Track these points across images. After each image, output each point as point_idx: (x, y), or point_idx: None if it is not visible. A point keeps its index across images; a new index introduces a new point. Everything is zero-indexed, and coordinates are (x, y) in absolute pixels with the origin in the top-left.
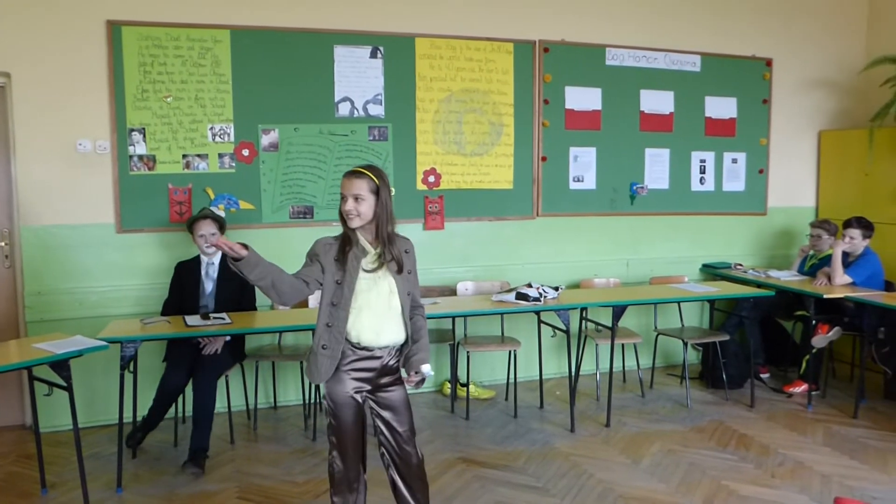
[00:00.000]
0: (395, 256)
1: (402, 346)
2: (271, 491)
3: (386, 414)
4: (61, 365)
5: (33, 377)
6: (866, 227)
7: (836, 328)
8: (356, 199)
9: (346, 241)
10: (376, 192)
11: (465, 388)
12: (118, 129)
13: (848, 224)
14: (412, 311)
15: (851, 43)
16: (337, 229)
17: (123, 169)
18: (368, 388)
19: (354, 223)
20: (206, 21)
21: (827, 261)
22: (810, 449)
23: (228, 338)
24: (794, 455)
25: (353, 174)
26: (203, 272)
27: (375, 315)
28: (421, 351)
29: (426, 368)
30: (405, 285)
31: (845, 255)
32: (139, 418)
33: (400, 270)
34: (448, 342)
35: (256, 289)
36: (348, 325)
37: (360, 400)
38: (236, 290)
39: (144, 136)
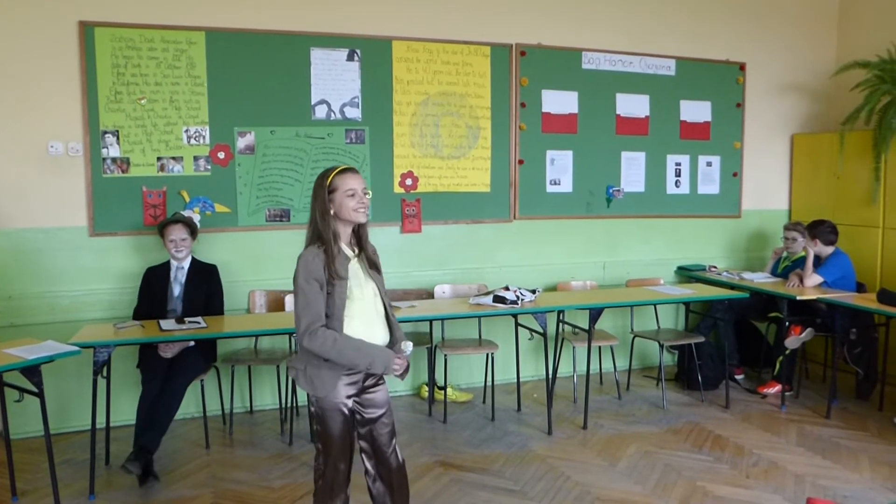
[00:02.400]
0: (371, 258)
1: (389, 346)
2: (247, 496)
3: (368, 413)
4: (32, 371)
5: (3, 383)
6: (828, 231)
7: (809, 329)
8: (364, 192)
9: (330, 252)
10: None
11: (442, 392)
12: (91, 132)
13: (813, 226)
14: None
15: (823, 48)
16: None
17: (96, 171)
18: (356, 391)
19: (365, 217)
20: (181, 23)
21: (799, 262)
22: (784, 449)
23: (192, 343)
24: (768, 455)
25: (353, 171)
26: (172, 276)
27: (365, 322)
28: (400, 339)
29: (407, 345)
30: (382, 286)
31: (816, 256)
32: (113, 424)
33: (378, 271)
34: (425, 345)
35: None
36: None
37: (350, 406)
38: (203, 295)
39: (118, 138)
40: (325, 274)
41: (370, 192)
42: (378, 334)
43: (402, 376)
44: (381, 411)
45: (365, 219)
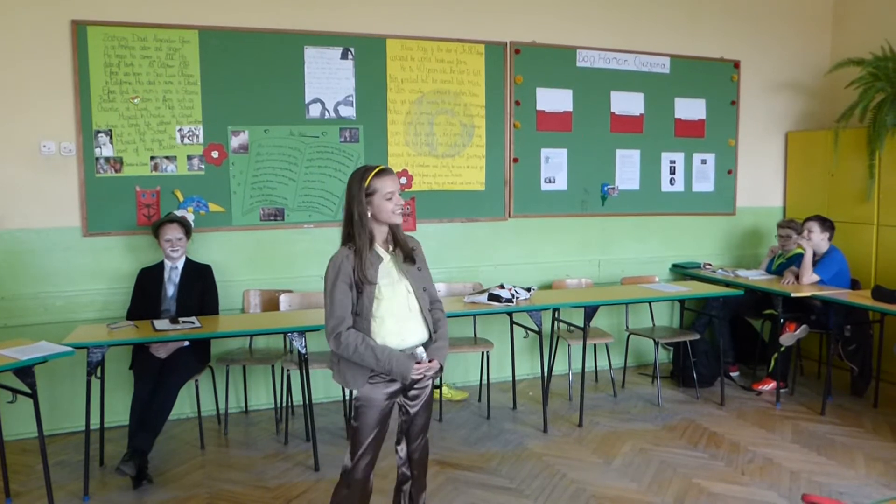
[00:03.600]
0: (407, 254)
1: (427, 342)
2: (242, 497)
3: (412, 407)
4: (26, 371)
5: None
6: (822, 221)
7: (804, 326)
8: (400, 193)
9: (363, 254)
10: None
11: (438, 390)
12: (84, 131)
13: (806, 220)
14: (431, 306)
15: (817, 46)
16: (309, 232)
17: (89, 171)
18: (397, 389)
19: (402, 219)
20: (174, 21)
21: (794, 260)
22: (779, 446)
23: (187, 343)
24: (763, 452)
25: (390, 172)
26: (166, 276)
27: (398, 320)
28: (437, 343)
29: (419, 351)
30: (420, 282)
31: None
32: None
33: (417, 266)
34: (447, 340)
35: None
36: (372, 332)
37: (390, 408)
38: (198, 295)
39: (111, 137)
40: (354, 275)
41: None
42: (413, 332)
43: (435, 376)
44: (420, 407)
45: (402, 220)
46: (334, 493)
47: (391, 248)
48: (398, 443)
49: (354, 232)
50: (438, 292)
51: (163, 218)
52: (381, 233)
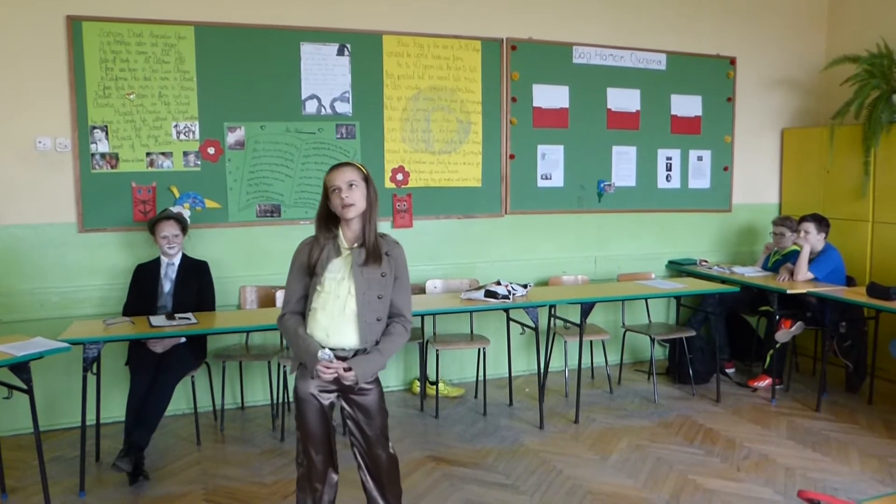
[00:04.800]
0: (370, 253)
1: (358, 351)
2: (239, 492)
3: (357, 415)
4: (21, 367)
5: None
6: (819, 221)
7: (799, 323)
8: (350, 185)
9: (321, 239)
10: (366, 180)
11: (434, 387)
12: (79, 127)
13: (802, 220)
14: (390, 318)
15: (813, 42)
16: (305, 228)
17: (85, 167)
18: (335, 388)
19: (350, 213)
20: (170, 17)
21: (790, 256)
22: (774, 442)
23: (183, 339)
24: (758, 448)
25: (340, 165)
26: (162, 272)
27: (329, 317)
28: (367, 354)
29: (322, 353)
30: (374, 289)
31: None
32: (103, 421)
33: (370, 266)
34: (417, 340)
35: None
36: (307, 321)
37: (323, 401)
38: (194, 291)
39: (107, 133)
40: (307, 259)
41: (357, 184)
42: (341, 334)
43: (353, 384)
44: (368, 414)
45: (350, 215)
46: (297, 485)
47: (355, 246)
48: (353, 446)
49: (319, 223)
50: (435, 289)
51: (159, 214)
52: (350, 228)
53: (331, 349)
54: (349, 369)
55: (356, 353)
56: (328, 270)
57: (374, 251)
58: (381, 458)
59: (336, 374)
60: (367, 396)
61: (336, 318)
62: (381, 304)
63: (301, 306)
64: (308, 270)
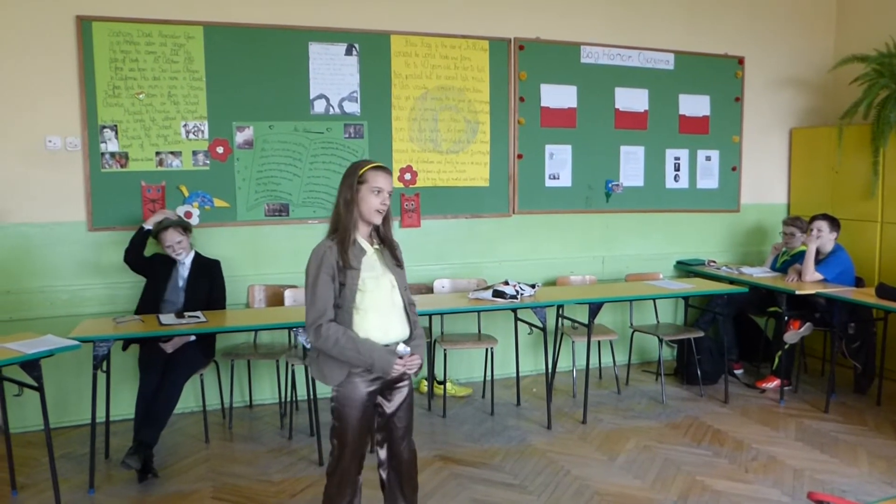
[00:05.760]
0: (392, 252)
1: (407, 340)
2: (247, 490)
3: (391, 408)
4: (32, 365)
5: (3, 377)
6: (831, 220)
7: (808, 324)
8: (389, 195)
9: (345, 242)
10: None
11: (441, 386)
12: (89, 126)
13: (814, 218)
14: (409, 307)
15: (821, 42)
16: (313, 227)
17: (95, 166)
18: (379, 387)
19: (379, 220)
20: (179, 17)
21: (798, 257)
22: (783, 443)
23: (193, 337)
24: (767, 450)
25: (386, 170)
26: (176, 268)
27: (381, 314)
28: (416, 341)
29: (401, 347)
30: (402, 279)
31: (816, 252)
32: (112, 418)
33: (399, 265)
34: (425, 340)
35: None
36: (354, 325)
37: (371, 404)
38: (205, 290)
39: (116, 133)
40: (336, 265)
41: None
42: (396, 327)
43: (416, 373)
44: (401, 407)
45: (379, 220)
46: (324, 492)
47: (375, 245)
48: (379, 444)
49: (340, 219)
50: (443, 288)
51: (157, 226)
52: (364, 228)
53: (387, 344)
54: (413, 355)
55: (405, 341)
56: (363, 270)
57: (393, 249)
58: (404, 452)
59: (405, 368)
60: (404, 388)
61: (388, 314)
62: (407, 292)
63: (333, 313)
64: (339, 275)
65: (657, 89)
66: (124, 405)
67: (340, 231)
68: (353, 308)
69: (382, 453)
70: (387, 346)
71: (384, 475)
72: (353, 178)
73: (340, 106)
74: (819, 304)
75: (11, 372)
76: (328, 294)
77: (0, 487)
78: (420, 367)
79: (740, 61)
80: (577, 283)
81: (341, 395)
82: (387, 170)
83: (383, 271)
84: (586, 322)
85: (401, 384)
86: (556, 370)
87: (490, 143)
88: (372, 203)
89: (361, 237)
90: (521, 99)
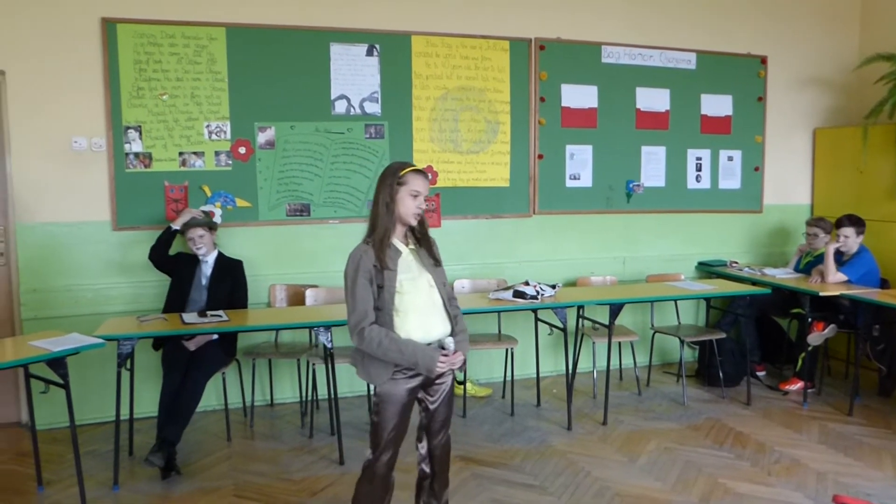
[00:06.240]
0: (430, 251)
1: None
2: (268, 488)
3: (434, 403)
4: (58, 363)
5: (30, 375)
6: (857, 223)
7: (832, 326)
8: (426, 199)
9: (383, 243)
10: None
11: (461, 386)
12: (114, 127)
13: (839, 223)
14: (449, 303)
15: (845, 41)
16: (334, 227)
17: (119, 166)
18: (420, 383)
19: (416, 221)
20: (202, 19)
21: (822, 258)
22: (806, 446)
23: (215, 336)
24: (790, 452)
25: (424, 174)
26: (200, 266)
27: (421, 314)
28: (459, 333)
29: (447, 340)
30: (440, 276)
31: (840, 253)
32: (136, 416)
33: (437, 264)
34: (468, 334)
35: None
36: (395, 327)
37: (410, 403)
38: (228, 289)
39: (140, 133)
40: (373, 267)
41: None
42: (437, 326)
43: (461, 369)
44: (441, 403)
45: (416, 222)
46: (356, 488)
47: (411, 245)
48: (419, 439)
49: (377, 221)
50: (463, 289)
51: (184, 224)
52: (399, 229)
53: (429, 343)
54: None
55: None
56: (399, 272)
57: (430, 248)
58: (438, 447)
59: (448, 366)
60: (446, 382)
61: (429, 314)
62: (446, 289)
63: (374, 315)
64: (376, 277)
65: (679, 89)
66: (147, 403)
67: (378, 232)
68: (393, 310)
69: (423, 448)
70: (429, 344)
71: (423, 468)
72: (392, 180)
73: (361, 106)
74: (843, 305)
75: (38, 369)
76: (367, 297)
77: (27, 483)
78: (464, 363)
79: (763, 61)
80: (598, 284)
81: (384, 392)
82: (425, 173)
83: (420, 271)
84: (607, 323)
85: (441, 380)
86: (577, 371)
87: (510, 144)
88: (409, 206)
89: (397, 238)
90: (542, 99)
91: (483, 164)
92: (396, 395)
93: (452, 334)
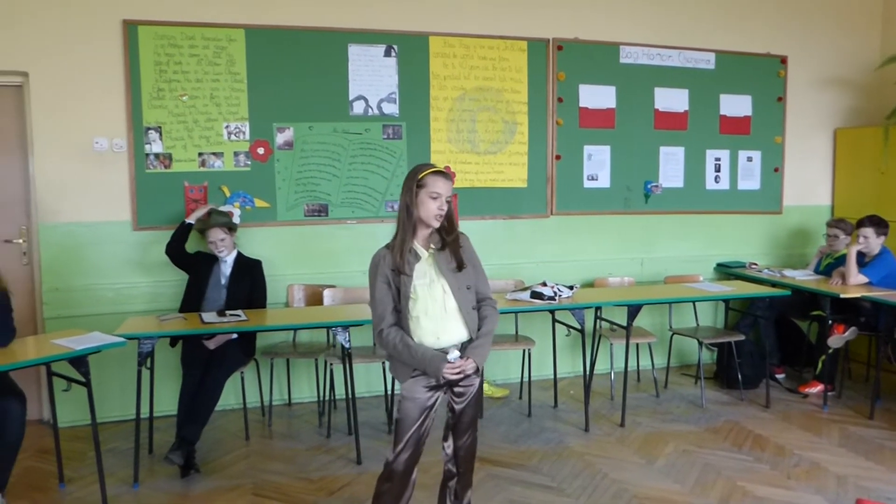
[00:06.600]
0: (455, 254)
1: (468, 341)
2: (286, 487)
3: (459, 405)
4: (80, 361)
5: (52, 373)
6: (879, 224)
7: (853, 328)
8: (447, 200)
9: (401, 248)
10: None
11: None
12: (134, 128)
13: (860, 224)
14: (479, 304)
15: (866, 40)
16: (352, 228)
17: (140, 167)
18: (443, 386)
19: (438, 224)
20: (221, 20)
21: (843, 260)
22: (826, 450)
23: (234, 335)
24: (809, 456)
25: (444, 175)
26: (218, 266)
27: (432, 320)
28: (477, 341)
29: (451, 354)
30: (462, 281)
31: (861, 254)
32: (156, 414)
33: (460, 268)
34: (489, 340)
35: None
36: (410, 331)
37: (431, 403)
38: (247, 289)
39: (160, 134)
40: (392, 271)
41: (450, 199)
42: (450, 332)
43: (476, 373)
44: (466, 404)
45: (437, 224)
46: (377, 486)
47: (434, 248)
48: (445, 439)
49: (399, 225)
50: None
51: (203, 225)
52: (422, 232)
53: (440, 349)
54: (468, 358)
55: (464, 343)
56: (415, 277)
57: (456, 250)
58: (463, 448)
59: (461, 371)
60: (472, 386)
61: (440, 319)
62: (470, 293)
63: (394, 318)
64: (394, 280)
65: (698, 89)
66: (167, 401)
67: (398, 237)
68: (408, 314)
69: (448, 447)
70: (442, 350)
71: (449, 468)
72: (412, 183)
73: (379, 107)
74: (864, 307)
75: (60, 367)
76: (385, 300)
77: (48, 480)
78: (477, 370)
79: (783, 60)
80: (616, 285)
81: (405, 390)
82: (445, 174)
83: (435, 277)
84: (625, 324)
85: (468, 383)
86: (594, 372)
87: (528, 144)
88: (430, 208)
89: (419, 241)
90: (560, 99)
91: (500, 164)
92: (417, 393)
93: (470, 342)
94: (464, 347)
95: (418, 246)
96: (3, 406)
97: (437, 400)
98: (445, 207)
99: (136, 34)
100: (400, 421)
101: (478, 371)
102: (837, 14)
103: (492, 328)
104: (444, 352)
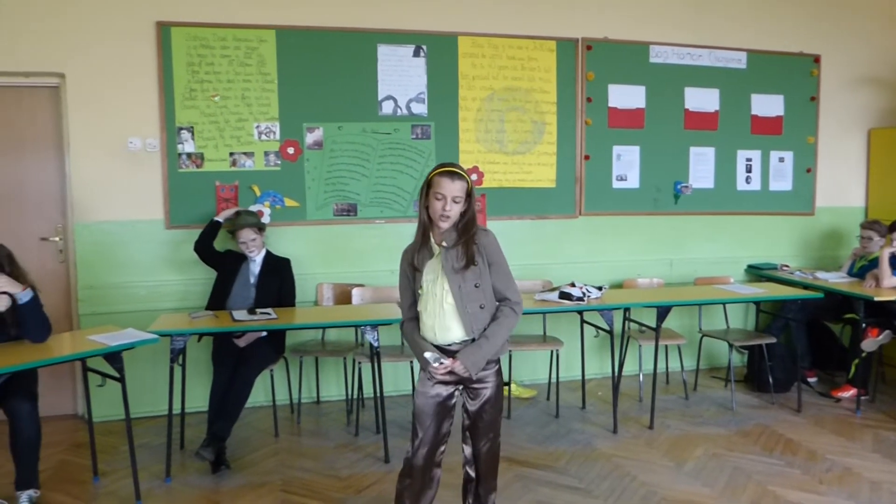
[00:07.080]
0: (467, 252)
1: (465, 342)
2: (314, 485)
3: (473, 405)
4: (115, 357)
5: (87, 368)
6: None
7: (887, 332)
8: (455, 200)
9: (418, 245)
10: (468, 195)
11: (506, 387)
12: (167, 128)
13: (893, 227)
14: (501, 303)
15: None
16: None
17: (172, 166)
18: (453, 381)
19: (445, 225)
20: (252, 21)
21: (877, 263)
22: (859, 455)
23: (264, 333)
24: (842, 461)
25: (454, 175)
26: (248, 265)
27: (432, 317)
28: (473, 343)
29: (427, 354)
30: (469, 279)
31: (893, 257)
32: (187, 410)
33: (467, 266)
34: (484, 347)
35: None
36: (420, 325)
37: (443, 398)
38: (276, 287)
39: (193, 134)
40: (409, 266)
41: (460, 200)
42: (447, 330)
43: (465, 376)
44: (480, 406)
45: (444, 226)
46: (398, 481)
47: (445, 246)
48: (463, 441)
49: (420, 222)
50: None
51: (234, 225)
52: (438, 229)
53: (440, 346)
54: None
55: (465, 343)
56: (425, 273)
57: (468, 248)
58: (482, 450)
59: (449, 370)
60: (486, 388)
61: (438, 316)
62: (480, 292)
63: (414, 311)
64: (410, 276)
65: (728, 89)
66: (198, 398)
67: (417, 234)
68: (418, 309)
69: (467, 450)
70: (447, 346)
71: (467, 471)
72: (425, 182)
73: (408, 107)
74: None
75: (94, 363)
76: (406, 294)
77: (83, 473)
78: (467, 372)
79: (816, 59)
80: (645, 286)
81: (419, 383)
82: (453, 174)
83: (439, 275)
84: (654, 326)
85: (481, 384)
86: (623, 374)
87: (557, 144)
88: (436, 208)
89: (435, 239)
90: (589, 99)
91: (529, 164)
92: (424, 387)
93: (468, 342)
94: (462, 347)
95: (433, 243)
96: (13, 406)
97: (451, 396)
98: (450, 208)
99: (168, 36)
100: (414, 415)
101: (468, 373)
102: (872, 12)
103: (498, 330)
104: (441, 349)
